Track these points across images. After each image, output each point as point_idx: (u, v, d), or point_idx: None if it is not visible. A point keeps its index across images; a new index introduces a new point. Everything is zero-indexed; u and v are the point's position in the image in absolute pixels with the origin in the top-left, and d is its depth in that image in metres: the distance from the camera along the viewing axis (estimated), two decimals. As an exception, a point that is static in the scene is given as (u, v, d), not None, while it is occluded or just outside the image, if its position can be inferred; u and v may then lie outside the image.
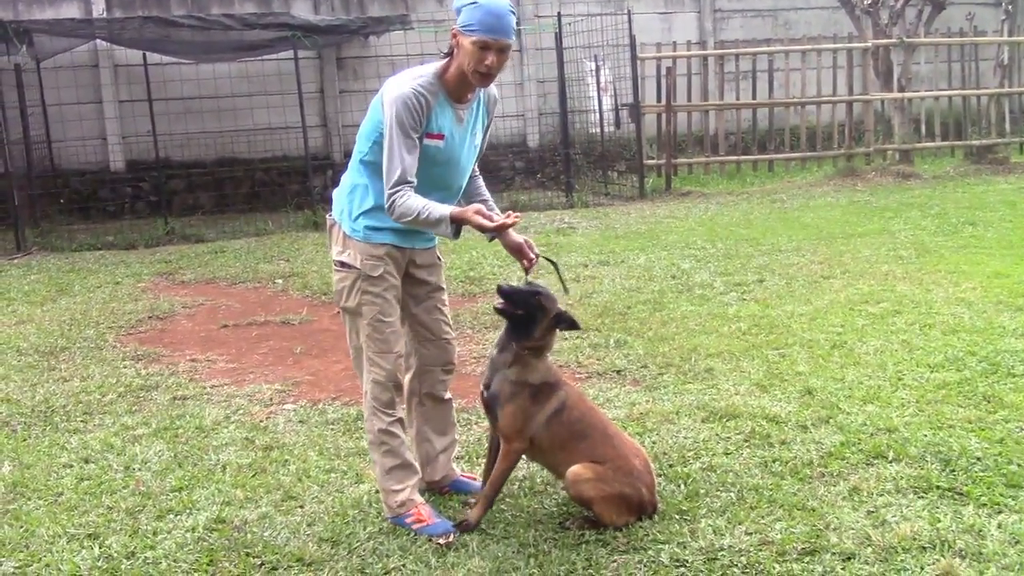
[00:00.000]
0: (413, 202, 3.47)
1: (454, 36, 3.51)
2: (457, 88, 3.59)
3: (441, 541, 3.60)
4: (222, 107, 14.25)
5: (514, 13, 3.54)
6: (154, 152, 12.47)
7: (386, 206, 3.51)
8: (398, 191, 3.47)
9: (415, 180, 3.50)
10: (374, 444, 3.82)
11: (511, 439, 3.66)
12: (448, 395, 4.10)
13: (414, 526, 3.70)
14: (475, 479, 4.12)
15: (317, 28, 12.62)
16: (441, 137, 3.60)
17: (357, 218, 3.70)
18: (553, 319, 3.70)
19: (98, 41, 13.28)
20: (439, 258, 3.99)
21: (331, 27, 12.84)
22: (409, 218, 3.48)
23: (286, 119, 13.89)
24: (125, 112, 13.93)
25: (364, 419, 3.89)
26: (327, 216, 3.86)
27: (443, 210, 3.49)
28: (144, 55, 12.33)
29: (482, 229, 3.52)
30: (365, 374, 3.80)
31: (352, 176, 3.76)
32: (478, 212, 3.51)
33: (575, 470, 3.60)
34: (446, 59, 3.58)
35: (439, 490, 4.09)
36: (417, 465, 3.91)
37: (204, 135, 14.22)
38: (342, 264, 3.74)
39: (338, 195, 3.83)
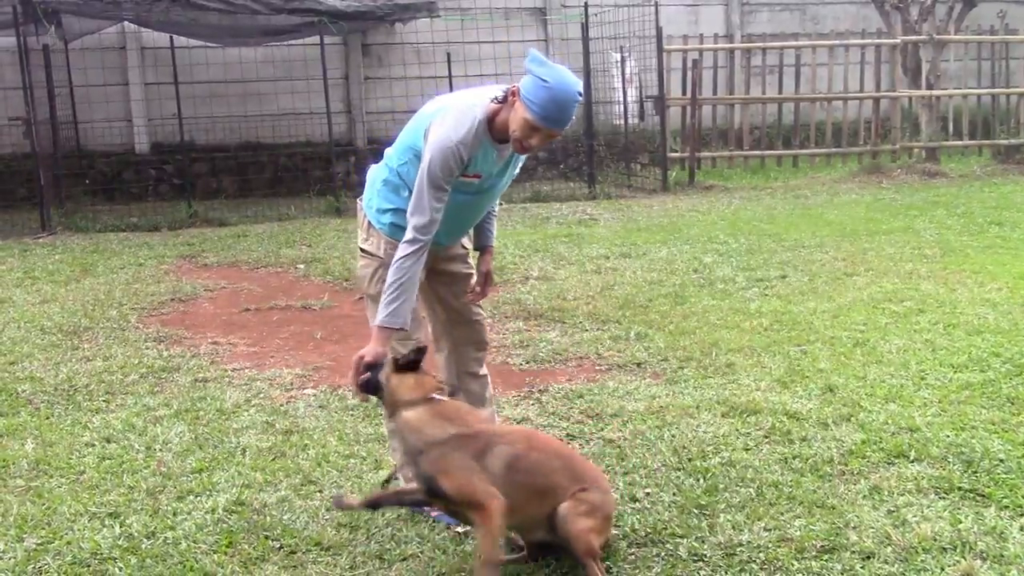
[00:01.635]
0: (412, 271, 3.43)
1: (515, 94, 3.42)
2: (502, 133, 3.51)
3: (459, 529, 3.60)
4: (247, 91, 14.29)
5: (580, 96, 3.46)
6: (179, 135, 12.51)
7: (403, 241, 3.45)
8: (415, 246, 3.43)
9: (429, 240, 3.48)
10: (394, 431, 3.83)
11: (479, 502, 3.11)
12: (483, 371, 4.13)
13: (432, 513, 3.70)
14: None
15: (344, 14, 12.61)
16: (479, 177, 3.60)
17: (384, 212, 3.72)
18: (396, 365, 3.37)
19: (126, 23, 13.33)
20: (464, 247, 4.00)
21: (358, 13, 12.83)
22: (396, 277, 3.42)
23: (311, 105, 13.91)
24: (151, 95, 13.99)
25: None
26: (358, 200, 3.88)
27: (391, 315, 3.42)
28: (171, 38, 12.36)
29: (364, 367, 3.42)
30: None
31: (383, 172, 3.75)
32: (380, 356, 3.41)
33: (566, 507, 3.19)
34: (498, 104, 3.50)
35: None
36: None
37: (229, 119, 14.26)
38: (365, 252, 3.79)
39: (369, 183, 3.84)
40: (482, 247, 4.02)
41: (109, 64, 13.91)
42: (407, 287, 3.44)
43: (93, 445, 4.60)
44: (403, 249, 3.44)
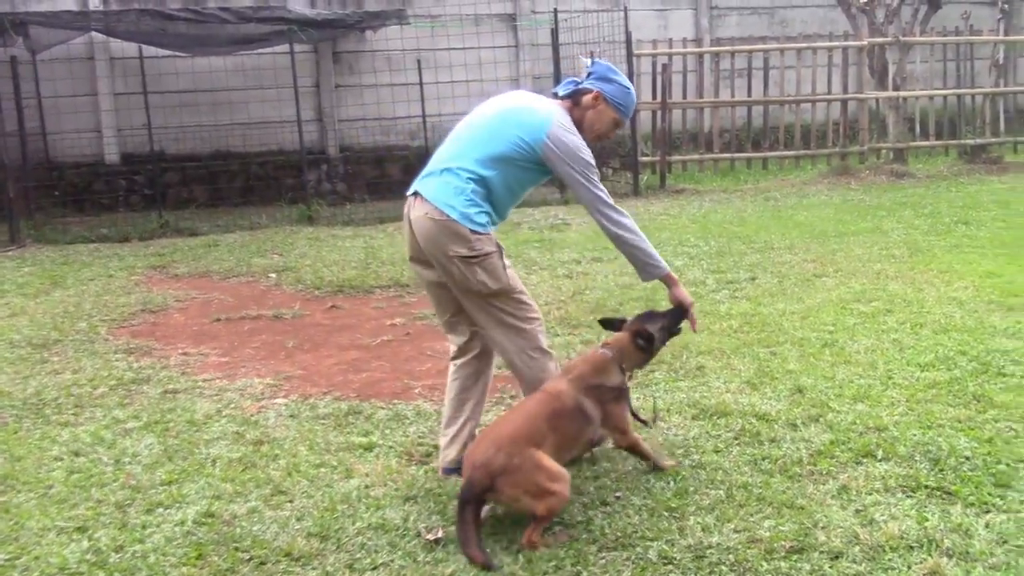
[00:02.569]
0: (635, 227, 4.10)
1: (597, 98, 4.09)
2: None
3: (429, 537, 3.60)
4: (217, 100, 14.22)
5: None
6: (149, 145, 12.44)
7: (617, 216, 4.02)
8: (623, 214, 4.08)
9: None
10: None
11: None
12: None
13: None
14: None
15: (313, 22, 12.60)
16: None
17: (480, 214, 3.92)
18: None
19: (94, 34, 13.24)
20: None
21: (327, 21, 12.82)
22: (634, 233, 4.05)
23: (281, 113, 13.87)
24: (120, 105, 13.89)
25: (528, 386, 4.08)
26: (437, 213, 3.90)
27: (659, 257, 4.17)
28: (140, 48, 12.31)
29: (678, 302, 4.25)
30: (519, 340, 4.04)
31: (467, 184, 3.91)
32: (679, 287, 4.25)
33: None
34: (567, 103, 4.12)
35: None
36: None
37: (199, 128, 14.19)
38: (476, 256, 3.91)
39: (442, 199, 3.91)
40: None
41: (78, 75, 13.80)
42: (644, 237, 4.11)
43: (61, 459, 4.56)
44: (622, 218, 4.04)
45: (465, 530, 3.45)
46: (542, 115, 3.97)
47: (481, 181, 3.91)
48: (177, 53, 13.58)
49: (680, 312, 4.23)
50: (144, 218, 12.44)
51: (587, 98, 4.12)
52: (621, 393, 4.02)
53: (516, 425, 3.70)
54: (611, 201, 4.02)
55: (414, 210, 3.99)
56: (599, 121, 4.12)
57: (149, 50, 12.64)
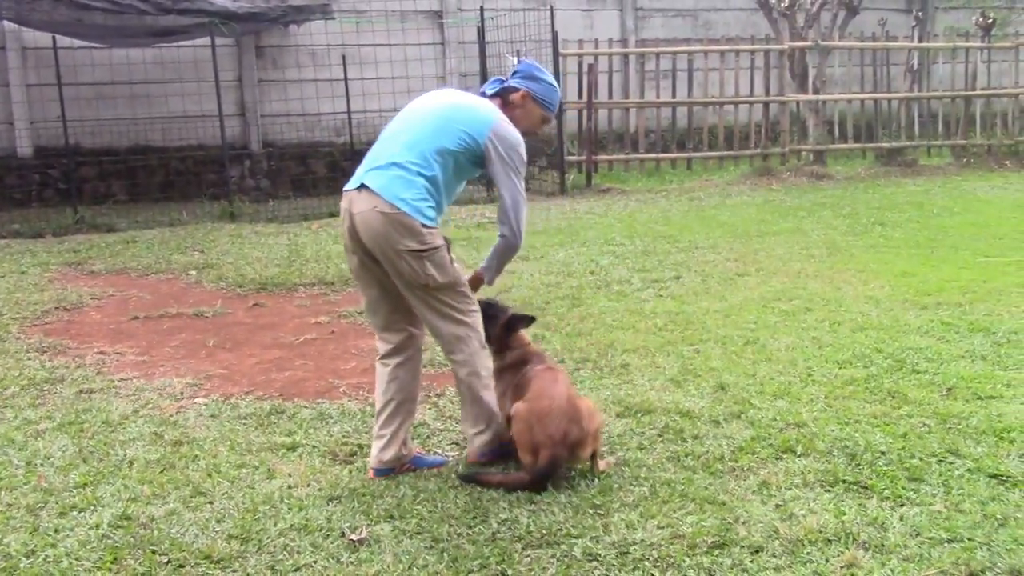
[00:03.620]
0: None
1: (525, 97, 4.21)
2: None
3: (353, 537, 3.56)
4: (136, 93, 13.88)
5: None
6: (64, 138, 12.09)
7: (520, 241, 4.16)
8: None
9: None
10: (486, 385, 4.18)
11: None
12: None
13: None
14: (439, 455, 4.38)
15: (236, 15, 12.38)
16: None
17: (430, 207, 3.94)
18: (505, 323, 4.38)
19: (5, 22, 12.82)
20: None
21: (250, 15, 12.61)
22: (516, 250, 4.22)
23: (202, 107, 13.60)
24: (33, 96, 13.45)
25: (471, 375, 4.14)
26: (388, 206, 3.87)
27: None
28: (54, 38, 11.94)
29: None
30: (463, 332, 4.09)
31: (417, 178, 3.92)
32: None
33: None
34: (496, 101, 4.21)
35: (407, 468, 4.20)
36: None
37: (117, 122, 13.83)
38: (427, 249, 3.91)
39: (390, 191, 3.89)
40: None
41: (-12, 65, 13.36)
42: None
43: (-31, 462, 4.40)
44: (522, 230, 4.14)
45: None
46: (485, 111, 4.08)
47: (431, 175, 3.94)
48: (93, 44, 13.23)
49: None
50: (59, 213, 12.09)
51: (515, 96, 4.22)
52: None
53: (569, 396, 4.02)
54: (526, 212, 4.17)
55: (358, 204, 3.93)
56: (527, 119, 4.23)
57: (64, 40, 12.27)
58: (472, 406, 4.18)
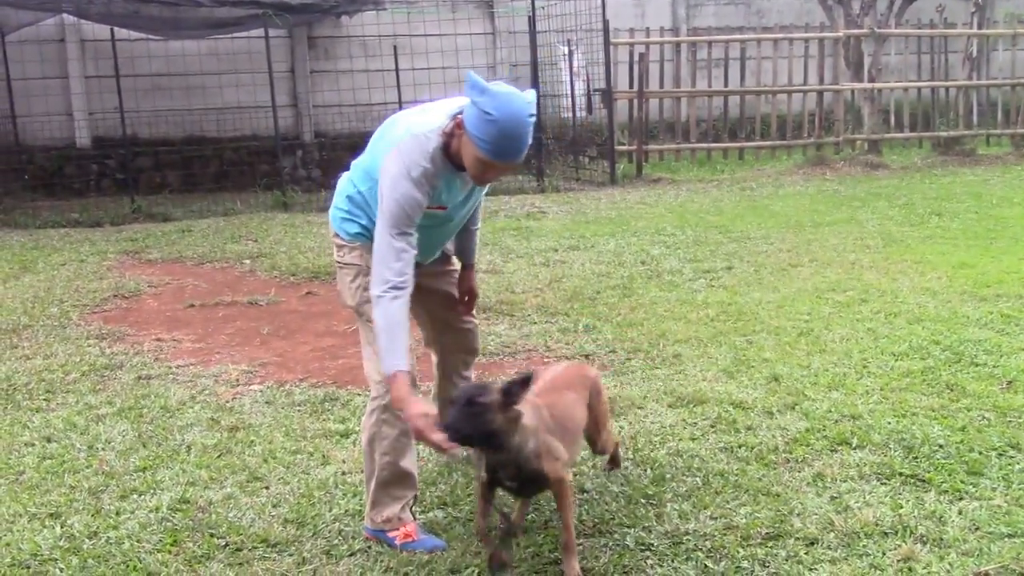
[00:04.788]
0: (398, 315, 3.23)
1: (459, 126, 3.21)
2: (460, 160, 3.29)
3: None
4: (191, 84, 14.09)
5: (533, 116, 3.19)
6: (121, 129, 12.30)
7: (373, 295, 3.26)
8: (394, 294, 3.23)
9: (406, 284, 3.26)
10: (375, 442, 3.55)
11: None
12: (469, 373, 4.10)
13: (397, 542, 3.46)
14: None
15: (289, 6, 12.50)
16: (444, 208, 3.46)
17: (352, 223, 3.56)
18: (503, 404, 3.09)
19: (65, 15, 13.07)
20: (452, 264, 3.95)
21: (303, 6, 12.72)
22: (383, 325, 3.24)
23: (256, 98, 13.74)
24: (92, 88, 13.72)
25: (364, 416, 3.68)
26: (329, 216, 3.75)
27: (395, 363, 3.22)
28: (112, 30, 12.15)
29: (418, 438, 3.21)
30: (370, 363, 3.59)
31: (349, 188, 3.59)
32: (422, 417, 3.12)
33: None
34: (447, 134, 3.27)
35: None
36: (416, 478, 3.66)
37: (172, 113, 14.05)
38: (343, 264, 3.62)
39: (337, 195, 3.67)
40: (464, 265, 3.95)
41: (48, 57, 13.63)
42: (397, 330, 3.24)
43: (33, 445, 4.51)
44: (384, 299, 3.23)
45: None
46: (396, 134, 3.35)
47: (356, 191, 3.54)
48: (150, 36, 13.43)
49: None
50: (116, 203, 12.31)
51: (456, 129, 3.27)
52: None
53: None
54: (389, 263, 3.24)
55: None
56: (466, 157, 3.24)
57: (121, 33, 12.48)
58: None
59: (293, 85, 14.59)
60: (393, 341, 3.23)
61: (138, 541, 3.54)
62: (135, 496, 3.93)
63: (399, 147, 3.27)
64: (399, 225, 3.24)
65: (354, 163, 3.65)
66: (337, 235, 3.63)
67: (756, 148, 15.18)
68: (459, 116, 3.23)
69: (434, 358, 4.14)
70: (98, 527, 3.66)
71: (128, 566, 3.37)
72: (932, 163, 14.40)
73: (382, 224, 3.25)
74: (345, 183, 3.66)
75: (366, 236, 3.48)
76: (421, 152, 3.25)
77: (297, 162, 14.48)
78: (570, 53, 14.01)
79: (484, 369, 5.47)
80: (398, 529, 3.49)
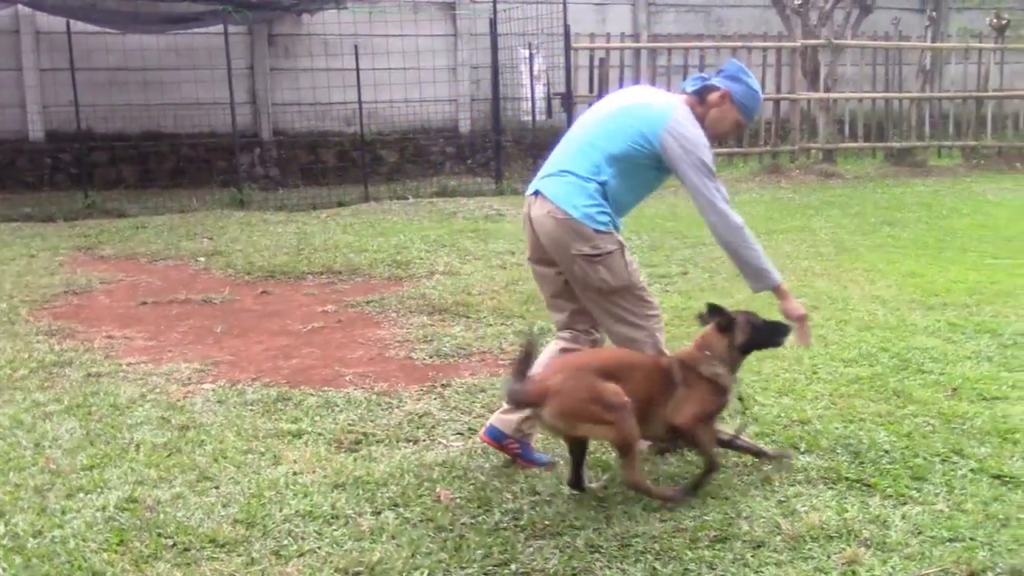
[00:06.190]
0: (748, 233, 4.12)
1: (724, 97, 4.07)
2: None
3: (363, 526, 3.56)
4: (148, 79, 13.92)
5: None
6: (76, 123, 12.13)
7: (731, 221, 4.07)
8: (736, 217, 4.12)
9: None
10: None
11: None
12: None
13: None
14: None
15: (249, 3, 12.41)
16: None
17: (603, 214, 3.97)
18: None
19: (20, 6, 12.86)
20: None
21: (263, 3, 12.65)
22: (753, 243, 4.10)
23: (214, 95, 13.61)
24: (46, 81, 13.49)
25: None
26: (560, 212, 3.95)
27: (777, 275, 4.14)
28: (68, 23, 11.97)
29: (788, 315, 4.14)
30: (638, 335, 4.05)
31: (588, 186, 3.96)
32: (790, 299, 4.15)
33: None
34: (693, 98, 4.10)
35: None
36: None
37: (129, 107, 13.86)
38: (600, 254, 3.95)
39: (565, 199, 3.97)
40: None
41: (1, 48, 13.39)
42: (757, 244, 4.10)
43: (-22, 442, 4.44)
44: (735, 223, 4.06)
45: None
46: (659, 108, 4.00)
47: (601, 181, 3.97)
48: (107, 29, 13.25)
49: (783, 326, 4.11)
50: (70, 198, 12.13)
51: (713, 96, 4.10)
52: (710, 385, 3.94)
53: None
54: (725, 206, 4.03)
55: (535, 209, 4.06)
56: (721, 121, 4.13)
57: (77, 25, 12.30)
58: None
59: (252, 82, 14.48)
60: (763, 255, 4.15)
61: (84, 540, 3.50)
62: (82, 495, 3.88)
63: (676, 117, 3.97)
64: (711, 175, 4.01)
65: (567, 165, 4.03)
66: (593, 230, 3.93)
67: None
68: (720, 91, 4.08)
69: (563, 336, 4.25)
70: (43, 526, 3.61)
71: (73, 565, 3.33)
72: (885, 173, 14.64)
73: (699, 176, 3.97)
74: (572, 183, 3.97)
75: (613, 222, 4.01)
76: (692, 119, 4.01)
77: (255, 160, 14.38)
78: (530, 56, 14.05)
79: (439, 370, 5.48)
80: None
